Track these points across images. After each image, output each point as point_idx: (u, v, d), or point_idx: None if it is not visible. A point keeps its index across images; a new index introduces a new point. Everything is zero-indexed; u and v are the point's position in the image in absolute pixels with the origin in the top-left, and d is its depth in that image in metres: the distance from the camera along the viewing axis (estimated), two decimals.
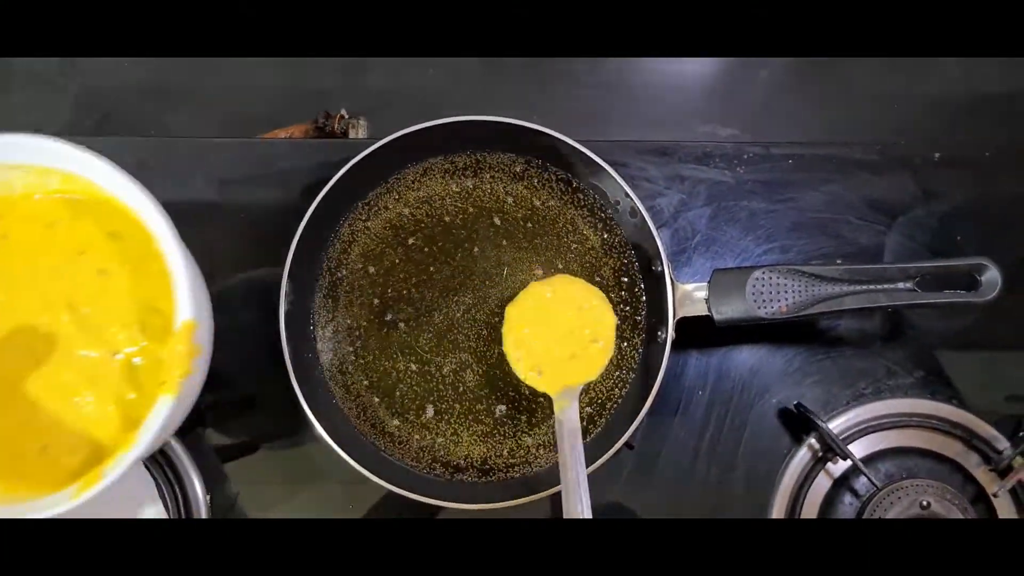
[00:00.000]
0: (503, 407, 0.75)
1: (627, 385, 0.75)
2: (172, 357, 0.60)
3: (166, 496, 0.75)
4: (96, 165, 0.63)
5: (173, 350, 0.60)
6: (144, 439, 0.58)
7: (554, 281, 0.73)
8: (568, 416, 0.67)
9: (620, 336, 0.76)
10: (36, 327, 0.65)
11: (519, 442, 0.75)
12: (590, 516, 0.63)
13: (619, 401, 0.75)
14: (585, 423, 0.75)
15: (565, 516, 0.63)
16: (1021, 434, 0.76)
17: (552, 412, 0.75)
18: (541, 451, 0.75)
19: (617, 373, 0.76)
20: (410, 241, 0.78)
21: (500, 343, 0.74)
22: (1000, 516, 0.75)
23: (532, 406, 0.76)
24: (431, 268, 0.78)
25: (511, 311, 0.72)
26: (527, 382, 0.70)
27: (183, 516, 0.75)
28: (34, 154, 0.64)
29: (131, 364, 0.64)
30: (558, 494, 0.69)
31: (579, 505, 0.63)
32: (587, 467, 0.69)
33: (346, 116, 0.94)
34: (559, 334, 0.71)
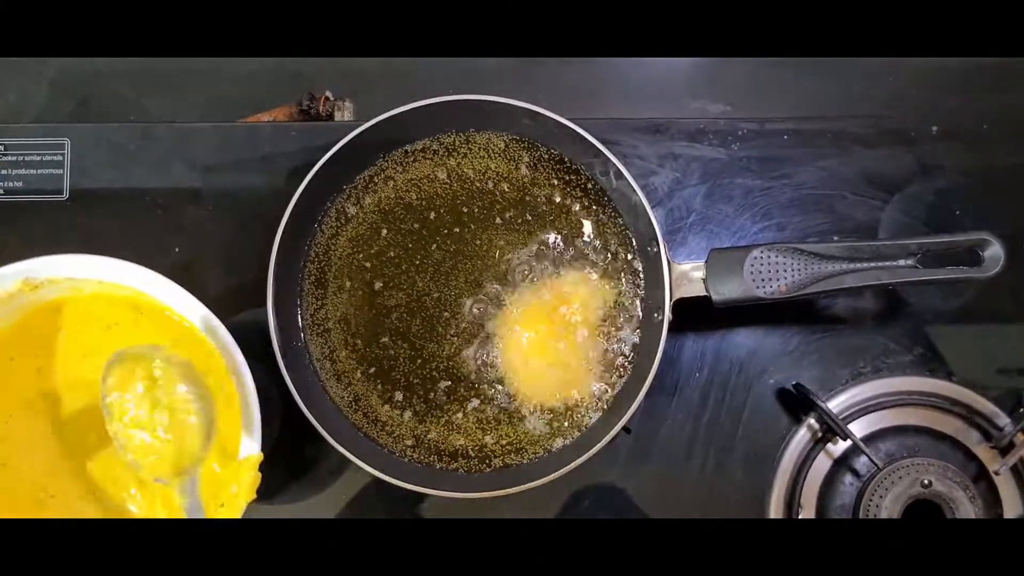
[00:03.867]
0: (498, 394, 0.74)
1: (624, 368, 0.74)
2: (241, 484, 0.65)
3: None
4: (189, 303, 0.67)
5: (242, 477, 0.65)
6: None
7: None
8: None
9: (617, 319, 0.74)
10: (95, 418, 0.67)
11: (515, 430, 0.74)
12: None
13: (617, 385, 0.74)
14: (584, 407, 0.74)
15: None
16: (1021, 410, 0.76)
17: (552, 405, 0.74)
18: (537, 439, 0.74)
19: (614, 357, 0.74)
20: (399, 224, 0.76)
21: (494, 328, 0.74)
22: (1002, 493, 0.75)
23: (527, 393, 0.74)
24: (421, 251, 0.76)
25: None
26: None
27: None
28: (137, 283, 0.68)
29: None
30: (552, 484, 0.68)
31: None
32: (585, 452, 0.68)
33: (331, 98, 0.92)
34: None
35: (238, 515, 0.64)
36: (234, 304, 0.77)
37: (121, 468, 0.69)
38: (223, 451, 0.68)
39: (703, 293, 0.70)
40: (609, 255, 0.76)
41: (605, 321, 0.74)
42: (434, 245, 0.76)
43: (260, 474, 0.65)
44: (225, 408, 0.67)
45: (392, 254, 0.76)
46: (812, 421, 0.77)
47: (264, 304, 0.70)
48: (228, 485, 0.66)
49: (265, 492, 0.77)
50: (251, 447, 0.65)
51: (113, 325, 0.69)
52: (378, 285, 0.76)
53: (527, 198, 0.76)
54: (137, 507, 0.68)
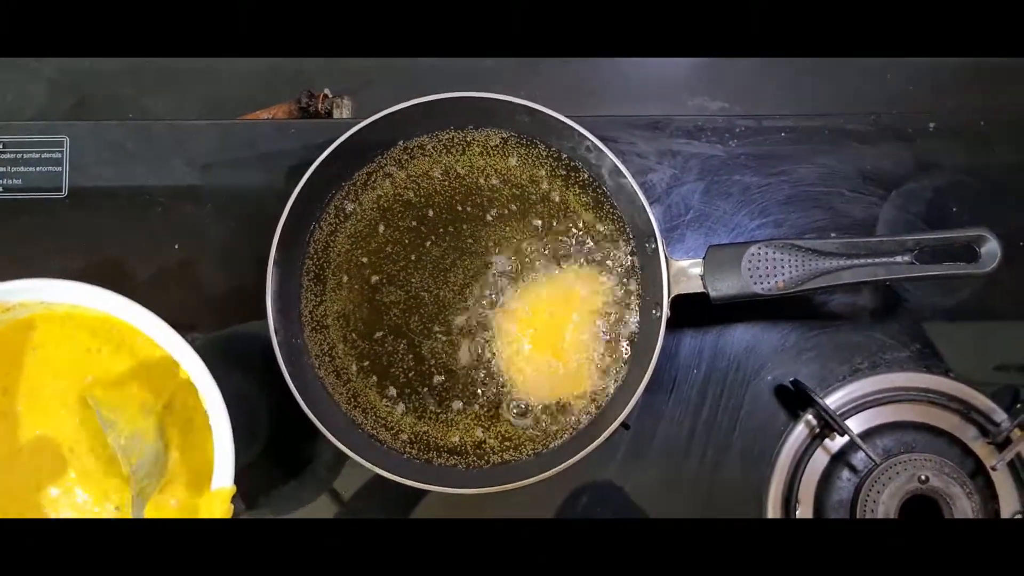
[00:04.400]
0: (495, 390, 0.74)
1: (622, 365, 0.74)
2: (212, 516, 0.64)
3: None
4: (163, 331, 0.66)
5: (213, 509, 0.64)
6: None
7: None
8: None
9: (615, 315, 0.75)
10: (49, 448, 0.68)
11: (512, 426, 0.74)
12: None
13: (615, 381, 0.74)
14: (582, 404, 0.74)
15: None
16: (1018, 406, 0.76)
17: (550, 401, 0.74)
18: (535, 435, 0.74)
19: (612, 353, 0.74)
20: (398, 221, 0.76)
21: (492, 324, 0.74)
22: (998, 489, 0.75)
23: (525, 390, 0.74)
24: (420, 248, 0.76)
25: None
26: None
27: None
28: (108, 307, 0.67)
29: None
30: (550, 481, 0.68)
31: None
32: (583, 448, 0.68)
33: (330, 95, 0.92)
34: None
35: None
36: (233, 301, 0.77)
37: (74, 507, 0.68)
38: (195, 481, 0.68)
39: (701, 290, 0.71)
40: (607, 252, 0.76)
41: (603, 317, 0.75)
42: (432, 242, 0.76)
43: (232, 506, 0.65)
44: (200, 439, 0.67)
45: (391, 251, 0.76)
46: (810, 417, 0.77)
47: (263, 301, 0.70)
48: (199, 516, 0.66)
49: (264, 489, 0.77)
50: (223, 479, 0.64)
51: (93, 350, 0.69)
52: (377, 282, 0.76)
53: (525, 195, 0.77)
54: None
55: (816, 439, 0.77)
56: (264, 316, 0.70)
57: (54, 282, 0.66)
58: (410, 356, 0.75)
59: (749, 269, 0.70)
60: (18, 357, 0.69)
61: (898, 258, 0.70)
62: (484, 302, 0.75)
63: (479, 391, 0.74)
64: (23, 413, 0.69)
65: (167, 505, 0.67)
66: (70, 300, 0.67)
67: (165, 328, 0.65)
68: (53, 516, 0.68)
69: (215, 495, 0.64)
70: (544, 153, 0.77)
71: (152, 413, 0.67)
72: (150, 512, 0.66)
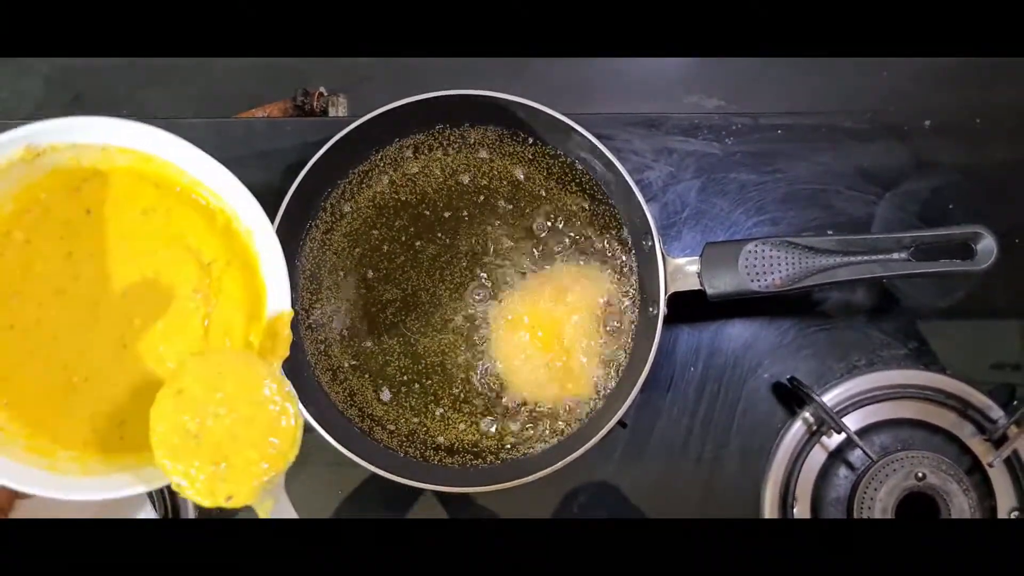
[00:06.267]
0: (492, 388, 0.74)
1: (620, 363, 0.74)
2: (275, 342, 0.62)
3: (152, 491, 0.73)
4: (196, 156, 0.64)
5: (275, 334, 0.62)
6: None
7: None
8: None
9: (611, 313, 0.75)
10: (128, 303, 0.65)
11: (510, 424, 0.74)
12: None
13: (612, 379, 0.74)
14: (579, 402, 0.74)
15: None
16: (1015, 403, 0.76)
17: (547, 399, 0.74)
18: (532, 434, 0.74)
19: (609, 351, 0.74)
20: (394, 220, 0.76)
21: (489, 323, 0.74)
22: (995, 486, 0.75)
23: (522, 388, 0.74)
24: (416, 247, 0.76)
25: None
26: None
27: (169, 509, 0.74)
28: (138, 140, 0.65)
29: None
30: (547, 479, 0.68)
31: None
32: (581, 446, 0.68)
33: (325, 94, 0.92)
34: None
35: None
36: None
37: (166, 345, 0.64)
38: (252, 316, 0.65)
39: (698, 287, 0.70)
40: (604, 250, 0.76)
41: (600, 315, 0.75)
42: (429, 240, 0.76)
43: (291, 333, 0.62)
44: (249, 276, 0.64)
45: (386, 249, 0.76)
46: (807, 414, 0.77)
47: None
48: (262, 347, 0.63)
49: None
50: (281, 303, 0.62)
51: (148, 211, 0.65)
52: (373, 280, 0.76)
53: (521, 192, 0.77)
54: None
55: (813, 436, 0.77)
56: None
57: (119, 122, 0.63)
58: (407, 355, 0.75)
59: (746, 266, 0.70)
60: (75, 223, 0.65)
61: (895, 255, 0.70)
62: (480, 300, 0.75)
63: (475, 390, 0.74)
64: (98, 274, 0.65)
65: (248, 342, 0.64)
66: (104, 140, 0.64)
67: (204, 156, 0.64)
68: (147, 357, 0.64)
69: (277, 320, 0.62)
70: (540, 151, 0.77)
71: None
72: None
